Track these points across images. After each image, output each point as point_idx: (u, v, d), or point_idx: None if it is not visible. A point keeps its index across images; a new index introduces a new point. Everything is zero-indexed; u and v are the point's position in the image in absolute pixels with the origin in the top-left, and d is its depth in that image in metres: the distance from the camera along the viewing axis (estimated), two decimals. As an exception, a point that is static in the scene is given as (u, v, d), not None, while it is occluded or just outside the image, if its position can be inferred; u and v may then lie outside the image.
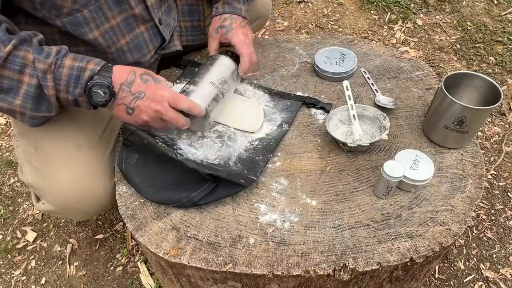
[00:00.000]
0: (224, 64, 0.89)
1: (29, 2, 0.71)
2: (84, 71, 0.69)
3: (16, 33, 0.68)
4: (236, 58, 0.91)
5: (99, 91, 0.69)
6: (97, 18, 0.77)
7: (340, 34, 1.97)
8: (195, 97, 0.80)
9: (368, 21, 2.05)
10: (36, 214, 1.38)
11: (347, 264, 0.67)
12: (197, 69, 0.90)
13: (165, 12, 0.93)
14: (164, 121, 0.76)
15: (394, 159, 0.77)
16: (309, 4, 2.18)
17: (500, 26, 1.98)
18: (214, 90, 0.84)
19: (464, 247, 1.25)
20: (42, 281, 1.22)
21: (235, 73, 0.91)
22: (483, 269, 1.20)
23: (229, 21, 0.93)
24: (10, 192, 1.45)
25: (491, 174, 1.43)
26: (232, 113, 0.90)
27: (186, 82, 0.85)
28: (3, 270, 1.25)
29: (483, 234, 1.28)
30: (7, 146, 1.59)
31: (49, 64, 0.67)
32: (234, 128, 0.88)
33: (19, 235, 1.33)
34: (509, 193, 1.38)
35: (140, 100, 0.72)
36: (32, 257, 1.28)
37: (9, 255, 1.28)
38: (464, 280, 1.18)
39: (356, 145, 0.81)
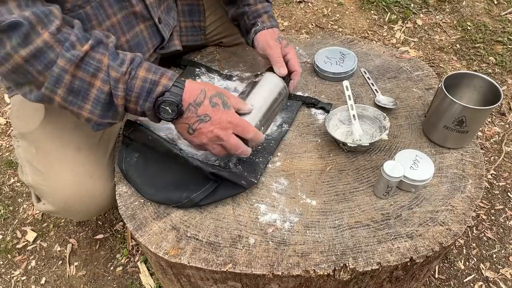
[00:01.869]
0: (279, 87, 0.85)
1: None
2: (157, 86, 0.68)
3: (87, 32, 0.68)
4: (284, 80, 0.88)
5: (167, 108, 0.68)
6: (99, 15, 0.76)
7: (340, 34, 1.97)
8: (253, 122, 0.76)
9: (368, 21, 2.05)
10: (36, 214, 1.38)
11: (347, 264, 0.67)
12: (252, 82, 0.85)
13: (165, 11, 0.93)
14: (223, 147, 0.73)
15: (394, 159, 0.77)
16: (309, 4, 2.18)
17: (500, 26, 1.98)
18: (269, 114, 0.81)
19: (464, 247, 1.25)
20: (42, 281, 1.22)
21: (286, 97, 0.88)
22: (483, 269, 1.20)
23: (282, 37, 0.91)
24: (10, 192, 1.45)
25: (491, 174, 1.43)
26: None
27: (241, 96, 0.81)
28: (3, 270, 1.25)
29: (483, 234, 1.28)
30: (7, 146, 1.60)
31: (123, 73, 0.66)
32: None
33: (19, 235, 1.33)
34: (509, 193, 1.38)
35: (203, 123, 0.70)
36: (32, 257, 1.28)
37: (9, 255, 1.28)
38: (464, 280, 1.18)
39: (356, 145, 0.81)
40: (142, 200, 0.78)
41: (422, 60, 1.48)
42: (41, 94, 0.66)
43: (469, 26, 1.99)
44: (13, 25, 0.58)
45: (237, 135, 0.72)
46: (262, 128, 0.79)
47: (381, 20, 2.06)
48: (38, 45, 0.60)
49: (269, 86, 0.84)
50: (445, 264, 1.22)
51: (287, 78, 0.89)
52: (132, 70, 0.67)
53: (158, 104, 0.68)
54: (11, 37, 0.59)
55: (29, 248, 1.30)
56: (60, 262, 1.26)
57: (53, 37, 0.61)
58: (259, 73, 0.87)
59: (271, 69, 0.87)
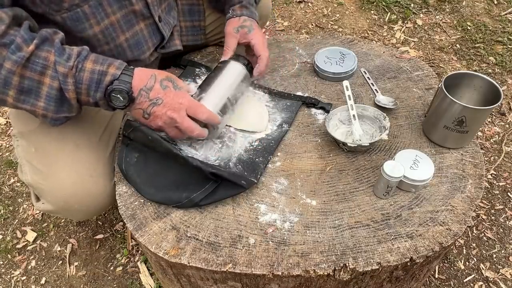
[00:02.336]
0: (236, 70, 0.88)
1: None
2: (105, 75, 0.69)
3: (36, 30, 0.68)
4: (244, 62, 0.91)
5: (118, 96, 0.70)
6: (97, 13, 0.77)
7: (340, 34, 1.97)
8: (209, 106, 0.79)
9: (368, 21, 2.05)
10: (36, 214, 1.38)
11: (347, 264, 0.67)
12: (207, 74, 0.89)
13: (165, 10, 0.93)
14: (179, 130, 0.76)
15: (394, 159, 0.77)
16: (309, 4, 2.18)
17: (500, 26, 1.98)
18: (226, 98, 0.83)
19: (464, 247, 1.25)
20: (42, 281, 1.22)
21: (247, 78, 0.91)
22: (483, 269, 1.20)
23: (249, 22, 0.94)
24: (10, 192, 1.45)
25: (491, 174, 1.43)
26: (236, 114, 0.90)
27: (198, 88, 0.84)
28: (3, 270, 1.25)
29: (483, 234, 1.28)
30: (7, 146, 1.60)
31: (70, 68, 0.67)
32: (240, 130, 0.88)
33: (19, 235, 1.33)
34: (509, 193, 1.38)
35: (156, 107, 0.73)
36: (32, 257, 1.28)
37: (9, 255, 1.28)
38: (464, 280, 1.18)
39: (356, 145, 0.81)
40: (142, 200, 0.78)
41: (422, 60, 1.48)
42: None
43: (469, 26, 1.99)
44: None
45: (193, 118, 0.75)
46: (220, 112, 0.81)
47: (381, 20, 2.06)
48: None
49: (227, 73, 0.87)
50: (445, 264, 1.22)
51: (252, 65, 0.93)
52: (79, 63, 0.68)
53: (108, 93, 0.70)
54: None
55: (29, 248, 1.30)
56: (60, 262, 1.26)
57: None
58: (221, 61, 0.91)
59: (237, 57, 0.91)
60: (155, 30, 0.90)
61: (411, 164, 0.76)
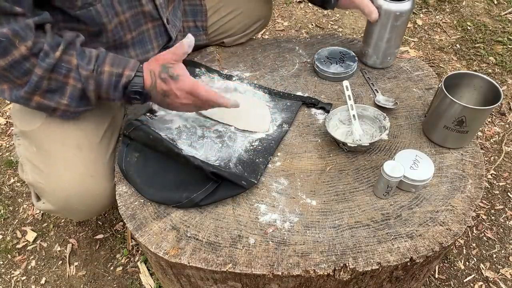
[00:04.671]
0: None
1: None
2: (121, 78, 0.75)
3: (55, 29, 0.73)
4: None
5: (136, 96, 0.77)
6: (109, 12, 0.79)
7: (340, 34, 1.97)
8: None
9: (368, 21, 2.05)
10: (36, 214, 1.38)
11: (347, 264, 0.67)
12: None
13: (171, 12, 0.94)
14: (202, 106, 0.81)
15: (394, 159, 0.77)
16: (309, 4, 2.18)
17: (500, 26, 1.98)
18: None
19: (464, 247, 1.25)
20: (42, 281, 1.22)
21: None
22: (483, 269, 1.20)
23: None
24: (10, 192, 1.45)
25: (491, 174, 1.43)
26: (238, 114, 0.90)
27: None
28: (3, 270, 1.25)
29: (483, 234, 1.28)
30: (7, 146, 1.59)
31: (91, 71, 0.74)
32: (242, 130, 0.88)
33: (19, 235, 1.33)
34: (509, 193, 1.38)
35: (169, 99, 0.78)
36: (32, 257, 1.28)
37: (9, 255, 1.28)
38: (464, 280, 1.18)
39: (356, 145, 0.81)
40: (142, 200, 0.78)
41: (422, 60, 1.48)
42: (20, 96, 0.73)
43: (469, 26, 1.99)
44: None
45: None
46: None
47: (381, 20, 2.05)
48: (15, 57, 0.68)
49: None
50: (445, 264, 1.22)
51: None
52: (98, 67, 0.74)
53: (127, 94, 0.77)
54: None
55: (29, 248, 1.30)
56: (60, 262, 1.26)
57: (29, 51, 0.68)
58: None
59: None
60: (163, 32, 0.92)
61: (411, 164, 0.76)
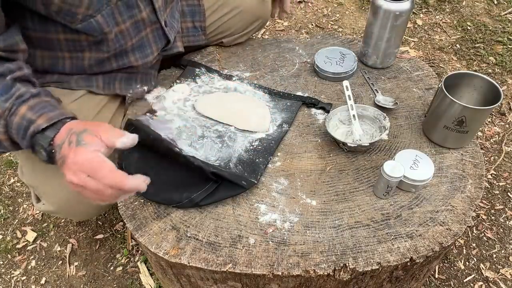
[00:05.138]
0: None
1: (45, 9, 0.71)
2: (31, 124, 0.63)
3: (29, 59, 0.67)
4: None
5: (40, 150, 0.64)
6: (109, 22, 0.77)
7: (340, 34, 1.97)
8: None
9: (368, 21, 2.05)
10: (36, 214, 1.38)
11: (347, 264, 0.67)
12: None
13: (169, 14, 0.94)
14: (92, 192, 0.60)
15: (394, 159, 0.77)
16: (309, 4, 2.18)
17: (500, 26, 1.98)
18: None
19: (464, 247, 1.25)
20: (42, 281, 1.22)
21: None
22: (483, 269, 1.20)
23: None
24: (10, 192, 1.45)
25: (491, 174, 1.43)
26: (238, 114, 0.90)
27: None
28: (3, 270, 1.25)
29: (483, 234, 1.28)
30: (7, 146, 1.59)
31: (4, 110, 0.63)
32: (242, 130, 0.88)
33: (19, 235, 1.33)
34: (509, 193, 1.38)
35: (64, 166, 0.61)
36: (32, 257, 1.28)
37: (9, 255, 1.28)
38: (464, 280, 1.18)
39: (356, 145, 0.81)
40: (142, 200, 0.78)
41: (422, 60, 1.48)
42: None
43: (469, 26, 1.99)
44: None
45: None
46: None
47: (381, 20, 2.05)
48: None
49: None
50: (445, 264, 1.22)
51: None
52: (14, 106, 0.64)
53: (33, 145, 0.64)
54: None
55: (29, 248, 1.30)
56: (60, 262, 1.26)
57: None
58: None
59: None
60: (161, 35, 0.91)
61: (411, 164, 0.76)
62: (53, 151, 0.63)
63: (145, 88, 0.96)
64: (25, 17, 0.75)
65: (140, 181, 0.61)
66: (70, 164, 0.60)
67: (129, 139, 0.63)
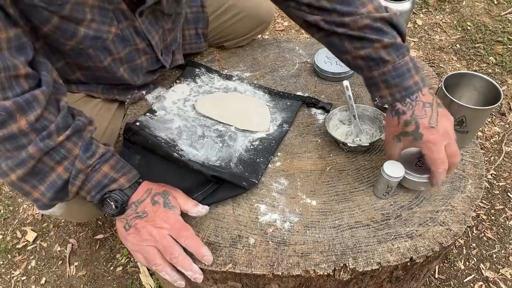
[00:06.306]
0: None
1: (40, 25, 0.69)
2: (113, 183, 0.67)
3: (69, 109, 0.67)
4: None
5: (112, 203, 0.67)
6: (101, 54, 0.77)
7: (340, 34, 1.96)
8: None
9: (368, 21, 2.05)
10: (36, 214, 1.38)
11: (347, 264, 0.67)
12: None
13: (168, 43, 0.92)
14: (157, 250, 0.65)
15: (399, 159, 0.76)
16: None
17: (500, 26, 1.98)
18: None
19: (464, 247, 1.25)
20: (42, 281, 1.22)
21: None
22: (483, 269, 1.20)
23: (413, 124, 0.66)
24: (10, 192, 1.45)
25: (491, 174, 1.43)
26: (238, 114, 0.90)
27: None
28: (3, 270, 1.25)
29: (483, 234, 1.28)
30: (7, 146, 1.59)
31: (88, 166, 0.65)
32: (242, 129, 0.88)
33: (19, 235, 1.33)
34: (509, 193, 1.38)
35: (139, 219, 0.66)
36: (32, 257, 1.28)
37: (9, 255, 1.28)
38: (464, 280, 1.18)
39: (356, 145, 0.81)
40: (142, 200, 0.78)
41: (422, 60, 1.48)
42: None
43: (469, 26, 1.99)
44: None
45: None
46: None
47: (381, 20, 2.05)
48: (12, 131, 0.59)
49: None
50: (445, 264, 1.22)
51: None
52: (98, 165, 0.66)
53: (104, 197, 0.67)
54: None
55: (29, 248, 1.30)
56: (60, 262, 1.26)
57: (29, 126, 0.60)
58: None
59: None
60: (154, 62, 0.90)
61: (416, 162, 0.75)
62: (125, 206, 0.68)
63: (144, 92, 0.97)
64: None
65: (209, 259, 0.67)
66: (156, 220, 0.66)
67: (203, 210, 0.70)
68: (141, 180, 0.71)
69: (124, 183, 0.68)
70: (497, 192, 1.38)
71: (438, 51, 1.89)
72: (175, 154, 0.78)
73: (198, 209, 0.69)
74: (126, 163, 0.70)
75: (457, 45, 1.91)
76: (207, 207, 0.71)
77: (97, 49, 0.75)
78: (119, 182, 0.68)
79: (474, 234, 1.28)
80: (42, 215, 1.37)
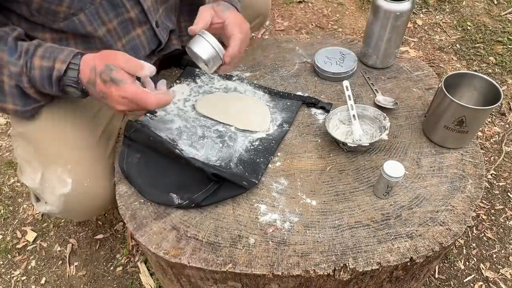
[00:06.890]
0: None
1: (26, 8, 0.71)
2: (52, 71, 0.69)
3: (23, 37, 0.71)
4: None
5: (72, 90, 0.71)
6: (94, 21, 0.77)
7: (340, 34, 1.97)
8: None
9: (368, 21, 2.05)
10: (36, 214, 1.38)
11: (347, 264, 0.67)
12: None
13: (163, 15, 0.93)
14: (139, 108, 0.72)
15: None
16: (309, 4, 2.18)
17: (500, 26, 1.98)
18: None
19: (464, 247, 1.25)
20: (42, 281, 1.22)
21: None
22: (483, 269, 1.20)
23: (225, 5, 0.84)
24: (10, 192, 1.45)
25: (491, 174, 1.43)
26: (238, 114, 0.90)
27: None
28: (3, 270, 1.25)
29: (483, 234, 1.28)
30: (7, 146, 1.59)
31: (21, 67, 0.69)
32: (242, 129, 0.88)
33: (19, 235, 1.33)
34: (509, 193, 1.38)
35: (105, 99, 0.71)
36: (32, 257, 1.28)
37: (9, 255, 1.28)
38: (464, 280, 1.18)
39: (356, 145, 0.81)
40: (142, 200, 0.78)
41: (422, 60, 1.48)
42: None
43: (469, 26, 1.99)
44: None
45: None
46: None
47: (381, 20, 2.05)
48: None
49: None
50: (445, 264, 1.22)
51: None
52: (28, 62, 0.69)
53: (62, 88, 0.71)
54: None
55: (29, 248, 1.30)
56: (60, 262, 1.26)
57: None
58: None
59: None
60: (152, 36, 0.90)
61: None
62: (83, 88, 0.71)
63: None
64: (13, 20, 0.75)
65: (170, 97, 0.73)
66: (117, 99, 0.69)
67: (149, 70, 0.71)
68: (78, 55, 0.71)
69: (61, 65, 0.69)
70: (497, 192, 1.38)
71: (438, 51, 1.89)
72: (177, 150, 0.78)
73: (144, 73, 0.70)
74: (55, 47, 0.71)
75: (457, 45, 1.91)
76: (149, 66, 0.71)
77: (89, 14, 0.76)
78: (56, 68, 0.69)
79: (474, 234, 1.28)
80: (42, 215, 1.37)
